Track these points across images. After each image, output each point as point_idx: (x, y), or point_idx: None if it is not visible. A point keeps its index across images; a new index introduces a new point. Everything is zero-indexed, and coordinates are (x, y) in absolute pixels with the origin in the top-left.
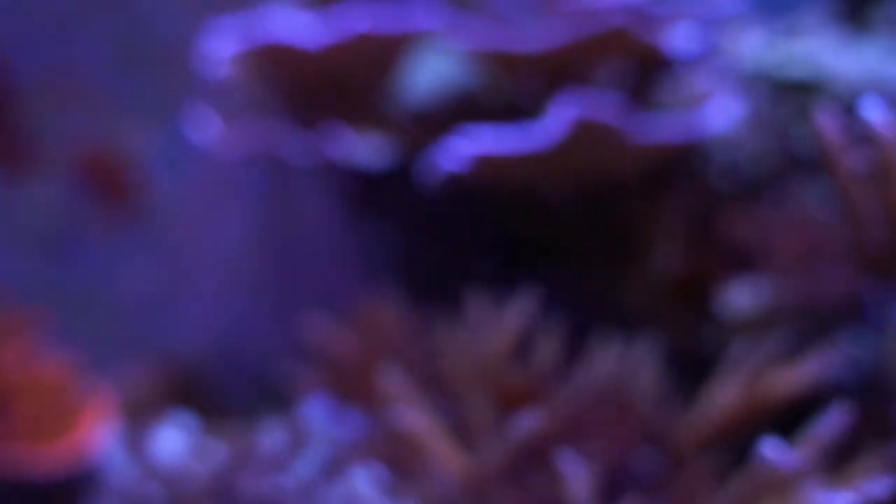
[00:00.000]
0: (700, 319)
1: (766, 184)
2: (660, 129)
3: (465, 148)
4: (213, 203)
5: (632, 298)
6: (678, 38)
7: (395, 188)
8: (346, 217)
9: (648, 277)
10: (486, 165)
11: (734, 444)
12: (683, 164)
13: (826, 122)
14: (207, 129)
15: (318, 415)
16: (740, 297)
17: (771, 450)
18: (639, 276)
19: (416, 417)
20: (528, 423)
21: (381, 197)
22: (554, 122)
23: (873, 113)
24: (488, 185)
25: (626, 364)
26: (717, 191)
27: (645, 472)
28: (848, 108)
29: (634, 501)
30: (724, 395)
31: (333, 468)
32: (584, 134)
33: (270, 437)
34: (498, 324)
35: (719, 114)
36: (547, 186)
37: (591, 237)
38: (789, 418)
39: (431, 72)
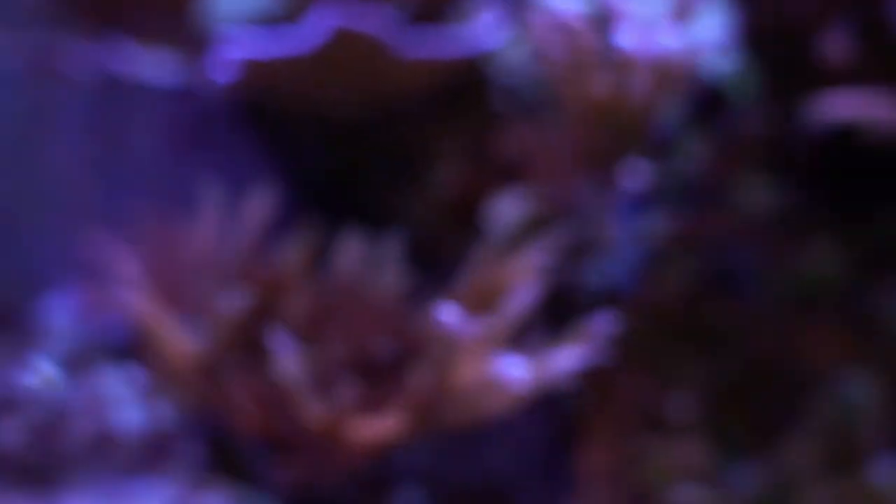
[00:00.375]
0: (472, 233)
1: (543, 106)
2: (428, 44)
3: (231, 53)
4: (33, 131)
5: (414, 215)
6: None
7: (187, 107)
8: (171, 142)
9: (429, 195)
10: (253, 72)
11: None
12: (467, 86)
13: (538, 20)
14: None
15: (63, 314)
16: (504, 210)
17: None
18: (420, 194)
19: (144, 302)
20: (233, 300)
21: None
22: (313, 29)
23: (564, 4)
24: (265, 97)
25: (369, 261)
26: (498, 113)
27: (380, 362)
28: None
29: (353, 385)
30: (457, 291)
31: (81, 367)
32: (345, 43)
33: (7, 336)
34: (237, 220)
35: (489, 33)
36: (322, 98)
37: (374, 154)
38: None
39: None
